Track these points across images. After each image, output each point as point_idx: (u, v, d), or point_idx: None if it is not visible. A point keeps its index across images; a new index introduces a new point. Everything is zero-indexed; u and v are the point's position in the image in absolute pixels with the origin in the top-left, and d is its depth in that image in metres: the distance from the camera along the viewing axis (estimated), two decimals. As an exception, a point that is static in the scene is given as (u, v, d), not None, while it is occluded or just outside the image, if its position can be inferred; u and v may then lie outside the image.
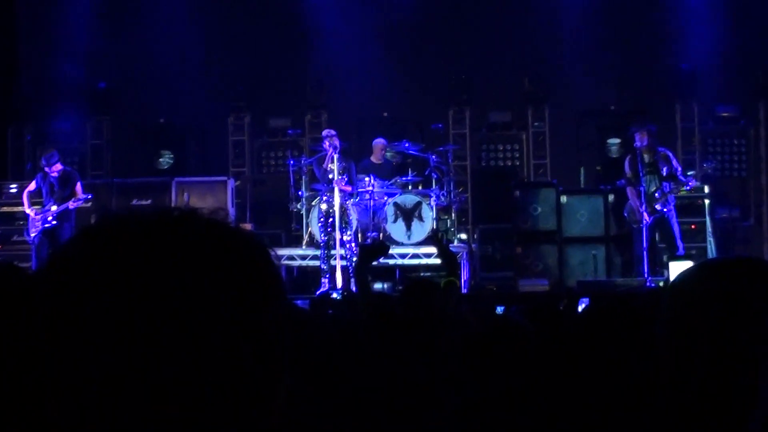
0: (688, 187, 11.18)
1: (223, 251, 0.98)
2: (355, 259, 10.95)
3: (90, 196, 11.50)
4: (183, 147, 14.99)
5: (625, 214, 11.36)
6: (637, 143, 10.98)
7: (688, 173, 11.44)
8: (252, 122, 15.11)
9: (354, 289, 10.51)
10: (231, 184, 13.47)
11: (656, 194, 10.94)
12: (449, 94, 14.75)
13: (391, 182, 12.47)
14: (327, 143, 11.42)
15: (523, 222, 12.43)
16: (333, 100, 14.83)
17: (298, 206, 12.64)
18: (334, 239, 11.44)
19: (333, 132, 11.52)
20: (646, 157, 11.03)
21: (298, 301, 8.51)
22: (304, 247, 12.44)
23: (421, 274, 12.58)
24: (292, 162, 12.90)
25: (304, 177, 12.70)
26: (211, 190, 13.21)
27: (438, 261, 11.77)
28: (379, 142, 12.71)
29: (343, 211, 11.44)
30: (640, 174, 10.94)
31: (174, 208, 1.02)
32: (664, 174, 10.96)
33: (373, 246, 5.45)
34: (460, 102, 14.67)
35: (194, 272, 0.95)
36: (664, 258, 11.37)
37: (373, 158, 12.73)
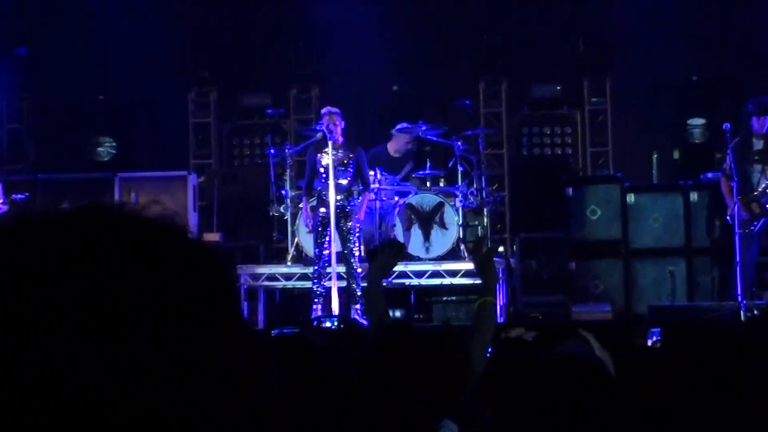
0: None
1: (156, 261, 1.03)
2: (359, 269, 11.18)
3: (22, 197, 11.52)
4: (129, 132, 15.10)
5: (728, 218, 11.29)
6: (756, 127, 11.12)
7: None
8: (220, 100, 15.22)
9: (355, 315, 11.08)
10: (192, 180, 13.48)
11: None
12: (480, 61, 14.77)
13: (402, 177, 12.49)
14: (326, 124, 11.30)
15: (578, 229, 12.39)
16: (326, 69, 14.85)
17: (281, 210, 12.62)
18: (330, 252, 11.37)
19: (335, 110, 11.42)
20: (759, 143, 11.15)
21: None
22: (289, 263, 12.43)
23: (444, 298, 12.63)
24: (272, 151, 12.90)
25: (288, 171, 12.63)
26: (166, 188, 13.24)
27: (466, 281, 11.96)
28: (403, 129, 12.76)
29: (345, 214, 11.37)
30: (744, 165, 11.06)
31: (108, 206, 1.07)
32: None
33: (386, 248, 5.30)
34: (494, 71, 14.69)
35: (106, 288, 1.00)
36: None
37: (391, 148, 12.83)
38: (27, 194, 11.69)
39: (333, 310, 11.18)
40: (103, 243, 1.04)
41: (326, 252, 11.32)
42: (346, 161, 11.33)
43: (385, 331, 4.63)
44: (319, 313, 11.38)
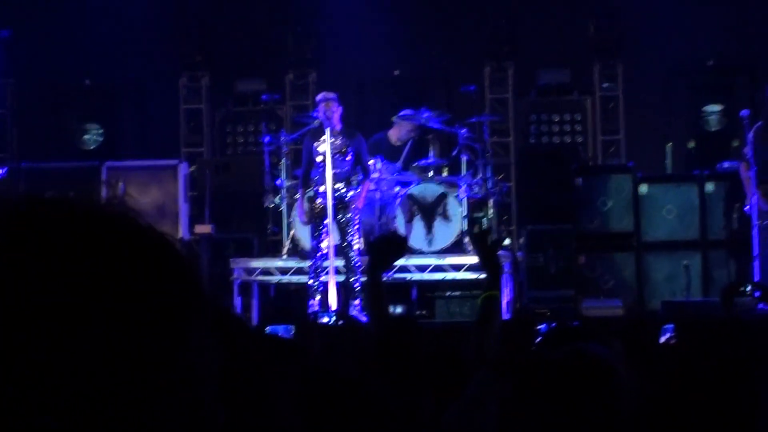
0: None
1: (105, 257, 1.05)
2: (358, 262, 11.22)
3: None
4: (116, 119, 15.04)
5: (746, 210, 11.33)
6: None
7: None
8: (212, 85, 15.19)
9: (354, 311, 11.14)
10: (183, 170, 13.45)
11: None
12: (485, 44, 14.73)
13: (401, 165, 12.49)
14: (323, 111, 11.29)
15: (588, 221, 12.38)
16: (324, 53, 14.81)
17: (276, 201, 12.66)
18: (327, 245, 11.36)
19: (332, 95, 11.41)
20: None
21: (278, 329, 8.75)
22: (284, 256, 12.46)
23: (447, 293, 12.62)
24: (267, 139, 12.89)
25: (284, 160, 12.65)
26: (155, 178, 13.21)
27: (470, 276, 12.00)
28: (405, 116, 12.74)
29: (343, 205, 11.37)
30: (764, 152, 11.04)
31: (58, 197, 1.09)
32: None
33: (387, 241, 5.30)
34: (500, 56, 14.65)
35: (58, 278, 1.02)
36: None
37: (392, 136, 12.82)
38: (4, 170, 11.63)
39: (330, 305, 11.16)
40: (50, 236, 1.05)
41: (324, 245, 11.29)
42: (344, 149, 11.30)
43: (386, 327, 4.63)
44: (316, 308, 11.35)
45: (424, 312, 12.56)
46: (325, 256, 11.29)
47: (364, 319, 9.25)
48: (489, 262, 4.91)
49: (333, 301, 11.19)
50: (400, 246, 5.15)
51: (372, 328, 4.83)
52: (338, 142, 11.27)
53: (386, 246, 5.05)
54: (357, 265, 11.30)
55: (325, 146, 11.19)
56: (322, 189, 11.29)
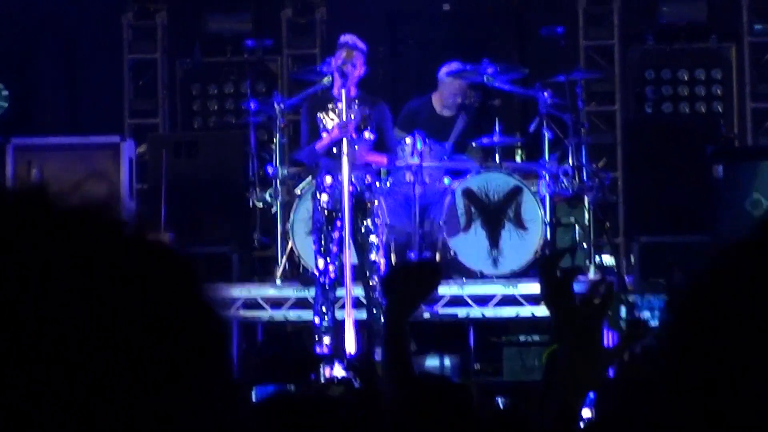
0: None
1: (88, 270, 1.24)
2: (376, 297, 11.54)
3: None
4: (31, 77, 15.55)
5: None
6: None
7: None
8: (171, 25, 15.43)
9: (380, 357, 11.41)
10: (128, 150, 13.93)
11: None
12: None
13: (452, 146, 12.91)
14: (341, 61, 11.48)
15: (732, 229, 12.47)
16: None
17: (267, 197, 12.99)
18: (341, 266, 11.63)
19: (361, 44, 11.65)
20: None
21: (269, 391, 9.16)
22: (278, 282, 12.84)
23: (521, 338, 12.69)
24: (254, 106, 13.22)
25: (278, 137, 12.96)
26: (87, 161, 13.66)
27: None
28: (458, 71, 13.05)
29: (362, 207, 11.66)
30: None
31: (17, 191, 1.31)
32: None
33: (412, 271, 5.23)
34: None
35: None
36: None
37: (437, 102, 13.17)
38: None
39: (346, 347, 11.47)
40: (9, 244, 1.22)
41: (336, 264, 11.67)
42: (362, 123, 11.60)
43: (410, 391, 4.84)
44: (326, 351, 11.76)
45: (485, 366, 12.73)
46: (339, 281, 11.69)
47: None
48: (556, 301, 4.55)
49: (350, 345, 11.44)
50: (432, 277, 5.13)
51: (391, 393, 5.06)
52: (354, 112, 11.56)
53: (410, 278, 5.04)
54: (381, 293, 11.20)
55: (335, 118, 11.54)
56: (329, 181, 11.48)
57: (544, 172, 12.72)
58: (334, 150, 11.53)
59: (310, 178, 12.42)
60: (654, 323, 12.58)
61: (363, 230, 11.63)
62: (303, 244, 12.44)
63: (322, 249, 11.64)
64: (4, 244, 1.20)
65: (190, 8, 15.56)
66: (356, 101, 11.61)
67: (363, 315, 11.66)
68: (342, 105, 11.44)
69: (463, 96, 13.25)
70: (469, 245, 12.57)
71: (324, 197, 11.60)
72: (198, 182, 14.20)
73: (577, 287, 4.54)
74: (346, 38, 11.72)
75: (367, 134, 11.65)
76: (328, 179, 11.55)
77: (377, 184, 11.91)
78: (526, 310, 12.45)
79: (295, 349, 12.94)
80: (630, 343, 5.08)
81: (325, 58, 12.13)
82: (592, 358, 4.28)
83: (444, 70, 13.19)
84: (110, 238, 1.23)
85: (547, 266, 4.68)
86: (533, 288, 12.06)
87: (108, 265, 1.23)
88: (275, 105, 12.89)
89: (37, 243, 1.21)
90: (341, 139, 11.43)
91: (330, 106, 11.58)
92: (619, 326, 12.14)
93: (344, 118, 11.41)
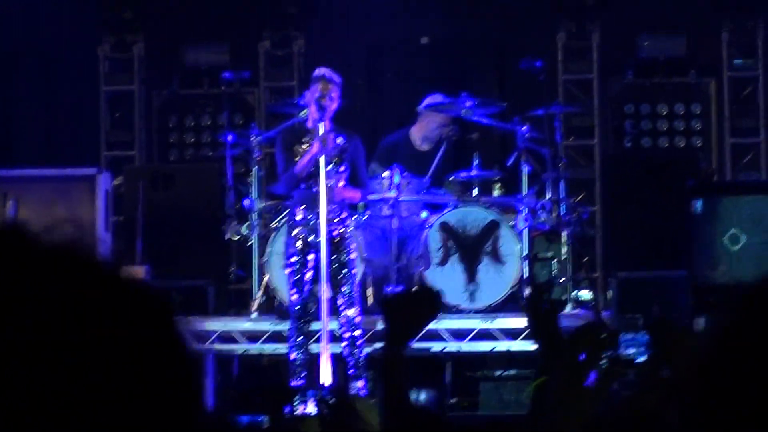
0: None
1: (59, 306, 1.25)
2: (358, 323, 11.64)
3: None
4: (6, 106, 15.78)
5: None
6: None
7: None
8: (149, 56, 15.58)
9: (355, 391, 11.61)
10: (104, 182, 13.87)
11: None
12: (559, -1, 14.82)
13: (430, 179, 12.86)
14: (315, 96, 11.46)
15: (710, 266, 12.75)
16: (317, 9, 15.25)
17: (243, 230, 13.06)
18: (316, 300, 11.60)
19: (336, 76, 11.61)
20: None
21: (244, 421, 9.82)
22: (253, 315, 12.85)
23: (498, 373, 12.60)
24: (231, 138, 13.29)
25: (255, 170, 13.02)
26: (63, 193, 13.68)
27: (532, 346, 11.53)
28: (437, 105, 13.08)
29: (338, 242, 11.66)
30: None
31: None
32: None
33: (413, 298, 5.25)
34: (580, 17, 15.08)
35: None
36: None
37: (416, 135, 13.21)
38: None
39: (321, 379, 11.50)
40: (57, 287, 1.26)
41: (310, 298, 11.68)
42: (337, 158, 11.65)
43: (403, 424, 4.84)
44: (300, 385, 11.78)
45: (461, 400, 12.72)
46: (314, 316, 11.69)
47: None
48: (542, 334, 5.12)
49: (327, 374, 11.48)
50: (432, 305, 5.15)
51: (384, 424, 5.02)
52: (330, 142, 11.59)
53: (411, 305, 5.07)
54: (357, 327, 11.63)
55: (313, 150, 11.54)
56: (303, 215, 11.53)
57: (522, 207, 12.77)
58: (310, 181, 11.56)
59: (287, 211, 12.35)
60: (640, 359, 12.57)
61: (338, 264, 11.64)
62: (279, 277, 12.43)
63: (296, 283, 11.67)
64: None
65: (167, 40, 15.60)
66: (331, 134, 11.65)
67: (338, 349, 11.65)
68: (319, 136, 11.47)
69: (447, 127, 13.31)
70: (446, 279, 12.53)
71: (298, 231, 11.68)
72: (174, 214, 14.26)
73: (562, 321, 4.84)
74: (322, 71, 11.72)
75: (341, 168, 11.70)
76: (302, 213, 11.61)
77: (353, 217, 11.99)
78: (502, 345, 12.47)
79: (271, 382, 12.96)
80: (611, 380, 4.95)
81: (303, 91, 12.19)
82: (581, 391, 4.44)
83: (427, 101, 13.23)
84: (83, 276, 1.24)
85: (533, 300, 5.20)
86: (510, 322, 12.35)
87: (80, 303, 1.23)
88: (252, 137, 12.99)
89: (10, 281, 1.23)
90: (318, 160, 11.45)
91: (305, 139, 11.64)
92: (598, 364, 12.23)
93: (323, 143, 11.42)
